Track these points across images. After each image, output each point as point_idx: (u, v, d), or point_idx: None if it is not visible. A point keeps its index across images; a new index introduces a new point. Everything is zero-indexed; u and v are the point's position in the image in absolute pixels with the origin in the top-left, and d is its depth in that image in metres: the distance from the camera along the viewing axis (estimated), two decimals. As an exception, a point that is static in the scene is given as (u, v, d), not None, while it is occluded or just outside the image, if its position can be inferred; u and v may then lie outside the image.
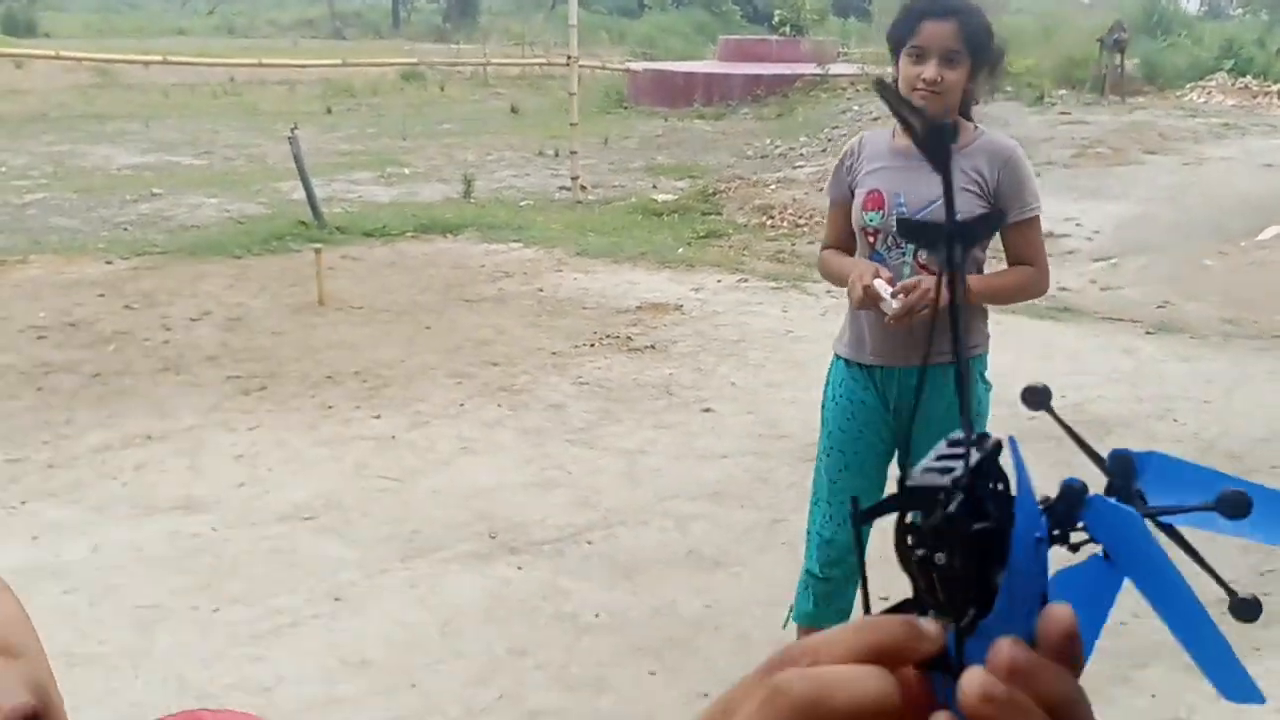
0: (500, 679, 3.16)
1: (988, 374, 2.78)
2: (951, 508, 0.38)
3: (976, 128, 2.63)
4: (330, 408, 5.20)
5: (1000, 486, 0.40)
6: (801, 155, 12.72)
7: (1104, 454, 0.44)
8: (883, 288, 2.48)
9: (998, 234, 2.62)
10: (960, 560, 0.38)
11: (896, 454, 2.71)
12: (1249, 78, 17.73)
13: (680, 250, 8.47)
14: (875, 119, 14.70)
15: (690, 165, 12.44)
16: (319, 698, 3.07)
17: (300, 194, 9.21)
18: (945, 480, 0.39)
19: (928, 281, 2.47)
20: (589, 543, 3.94)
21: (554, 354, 5.99)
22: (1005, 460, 0.41)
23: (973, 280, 2.60)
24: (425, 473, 4.52)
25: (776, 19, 26.13)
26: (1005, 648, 0.37)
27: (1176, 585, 0.40)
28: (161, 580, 3.64)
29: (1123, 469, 0.44)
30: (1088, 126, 12.57)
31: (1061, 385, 5.31)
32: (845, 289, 2.62)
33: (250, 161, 13.28)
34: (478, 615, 3.46)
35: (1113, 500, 0.42)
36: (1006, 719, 0.36)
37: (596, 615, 3.47)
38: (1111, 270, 7.53)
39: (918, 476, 0.40)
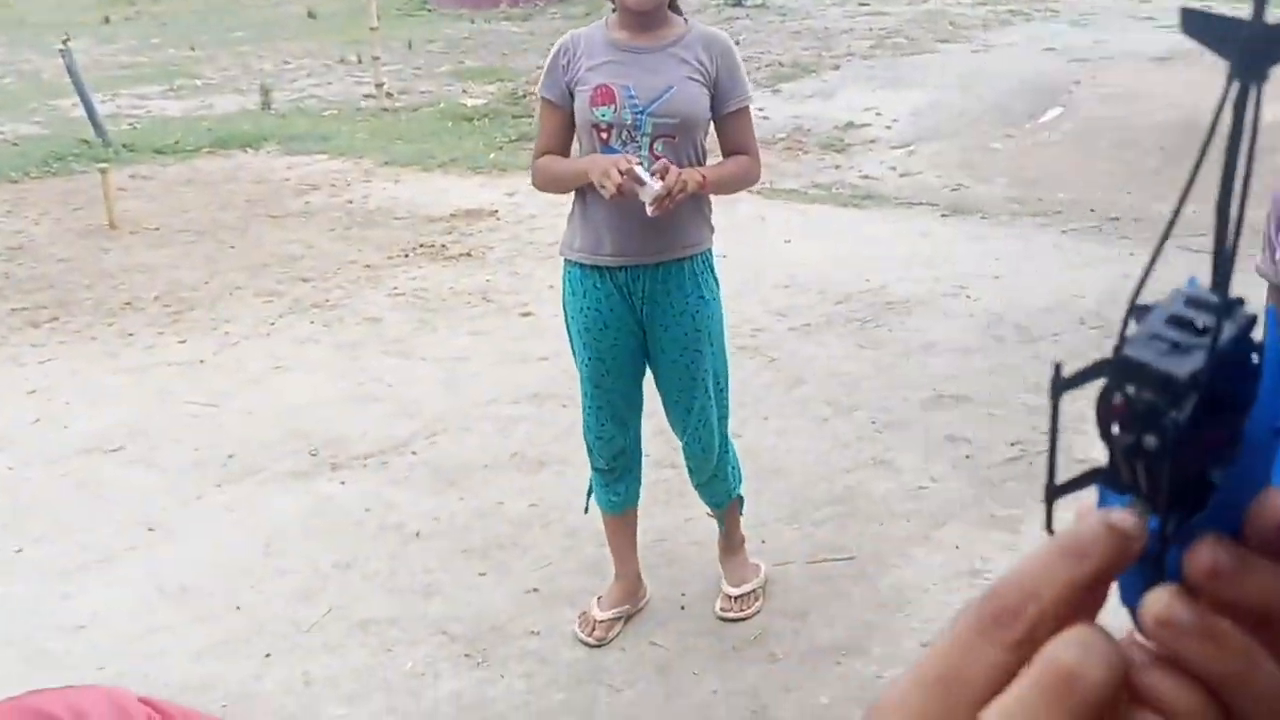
0: (327, 593, 3.14)
1: (716, 269, 2.81)
2: (1184, 410, 0.31)
3: (687, 21, 2.67)
4: (130, 335, 4.96)
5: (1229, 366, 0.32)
6: (610, 54, 12.59)
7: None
8: (642, 172, 2.49)
9: (712, 124, 2.68)
10: (1178, 453, 0.31)
11: (648, 346, 2.80)
12: (1033, -34, 18.42)
13: (492, 155, 8.33)
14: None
15: (499, 68, 12.17)
16: (137, 630, 2.99)
17: (80, 111, 8.60)
18: (1178, 368, 0.31)
19: (678, 169, 2.53)
20: (413, 453, 3.93)
21: (367, 267, 5.85)
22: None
23: (706, 172, 2.65)
24: (237, 395, 4.38)
25: (579, -86, 25.55)
26: (1206, 549, 0.31)
27: None
28: (-45, 526, 3.45)
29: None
30: (886, 17, 12.88)
31: (864, 269, 5.54)
32: (570, 192, 2.66)
33: (22, 78, 12.29)
34: (300, 533, 3.42)
35: None
36: (1194, 649, 0.31)
37: (422, 525, 3.48)
38: (909, 157, 7.81)
39: (1139, 345, 0.33)
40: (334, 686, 2.81)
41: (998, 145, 7.92)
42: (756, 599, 3.03)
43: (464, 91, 11.01)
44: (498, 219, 6.69)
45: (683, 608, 3.09)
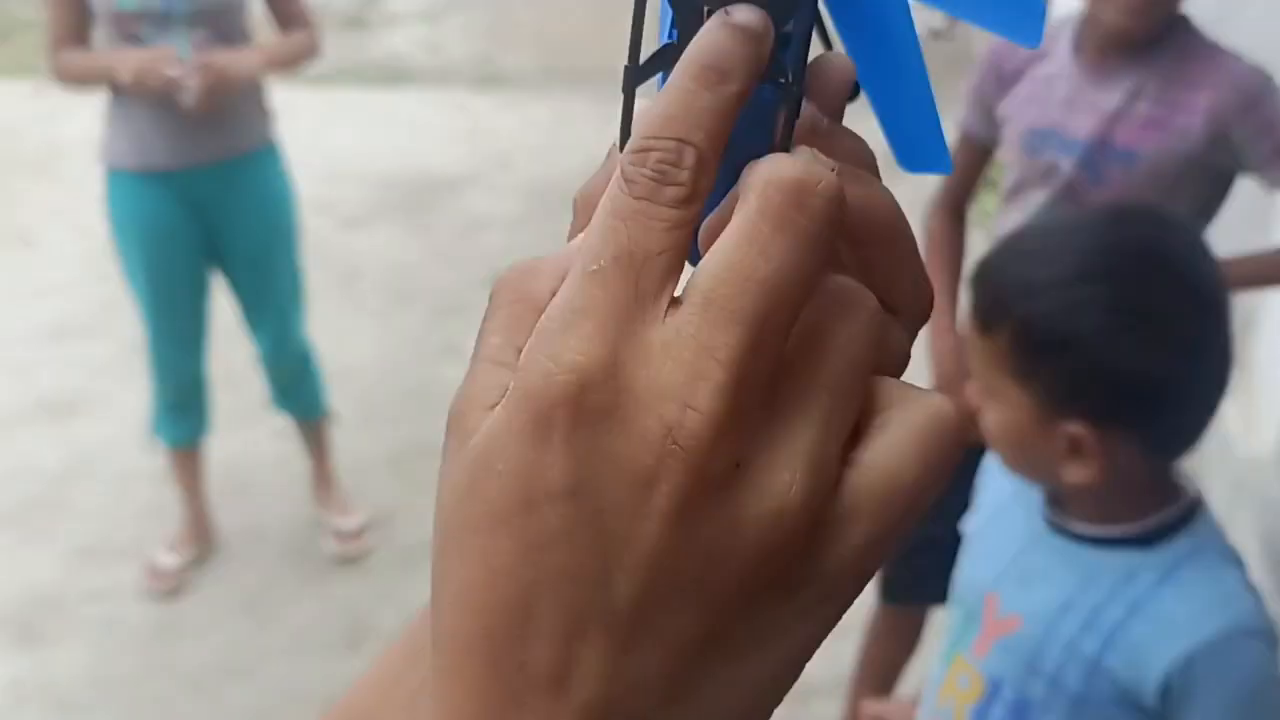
0: None
1: (282, 156, 2.62)
2: None
3: None
4: None
5: None
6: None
7: None
8: (178, 70, 2.24)
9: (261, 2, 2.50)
10: None
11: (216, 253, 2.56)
12: None
13: (-45, 59, 7.13)
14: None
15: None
16: None
17: None
18: None
19: (220, 58, 2.30)
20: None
21: None
22: None
23: (259, 53, 2.44)
24: None
25: None
26: (807, 113, 0.29)
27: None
28: None
29: None
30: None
31: (405, 151, 5.39)
32: (102, 85, 2.34)
33: None
34: None
35: None
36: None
37: (-66, 501, 2.99)
38: (435, 30, 7.65)
39: None
40: None
41: (522, 13, 7.95)
42: (367, 528, 2.88)
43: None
44: (-26, 134, 5.76)
45: (263, 538, 2.90)
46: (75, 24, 2.35)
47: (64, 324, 3.88)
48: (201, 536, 2.80)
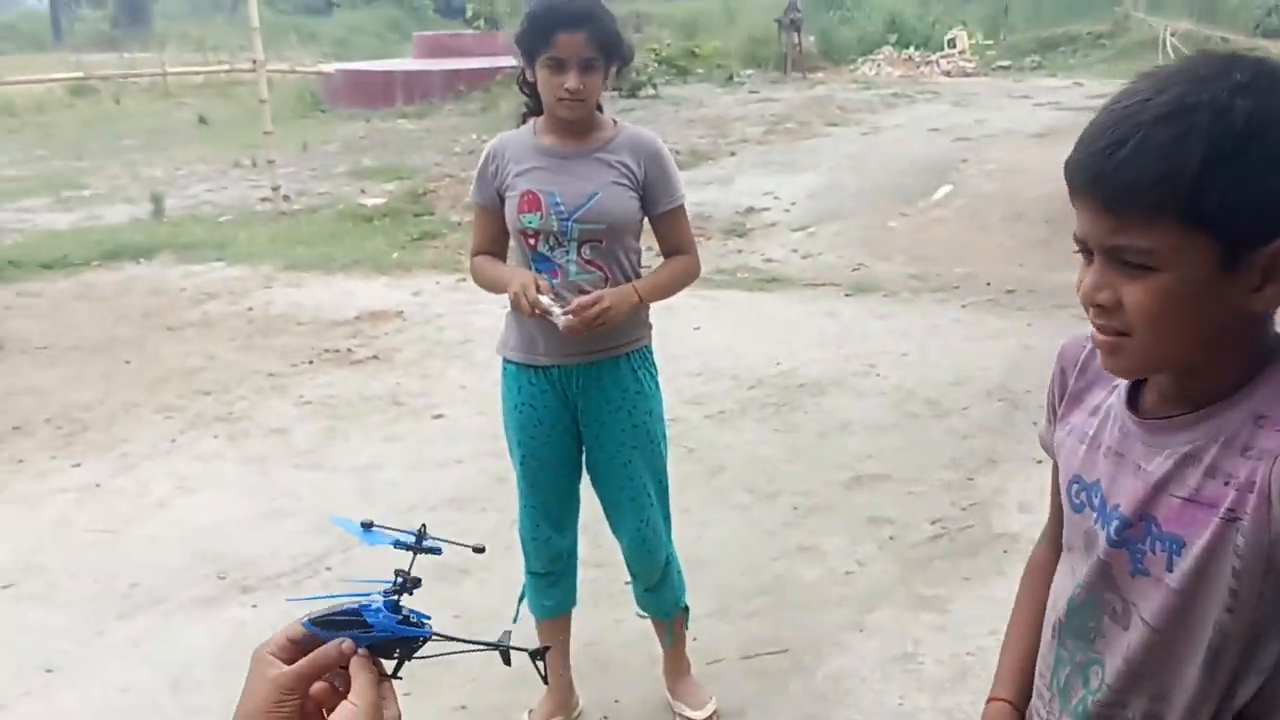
0: (244, 728, 2.97)
1: (654, 361, 2.77)
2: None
3: (615, 123, 2.65)
4: (20, 461, 4.73)
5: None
6: (509, 148, 12.67)
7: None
8: (549, 304, 2.48)
9: (648, 222, 2.67)
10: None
11: (584, 444, 2.74)
12: (912, 49, 19.24)
13: (395, 255, 8.27)
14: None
15: (397, 166, 12.16)
16: (37, 784, 2.79)
17: (-38, 229, 8.32)
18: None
19: (608, 297, 2.51)
20: (327, 569, 3.79)
21: (271, 375, 5.71)
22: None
23: (640, 287, 2.61)
24: (138, 519, 4.19)
25: (470, 13, 25.97)
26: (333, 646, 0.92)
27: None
28: None
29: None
30: (775, 103, 13.25)
31: (774, 353, 5.59)
32: (505, 296, 2.61)
33: (-103, 196, 11.87)
34: (212, 666, 3.24)
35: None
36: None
37: (342, 644, 3.33)
38: (809, 239, 7.98)
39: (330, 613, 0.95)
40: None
41: (894, 224, 8.14)
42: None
43: (362, 191, 10.96)
44: (404, 320, 6.61)
45: (619, 716, 3.00)
46: (493, 235, 2.70)
47: (462, 493, 4.29)
48: (563, 708, 2.93)
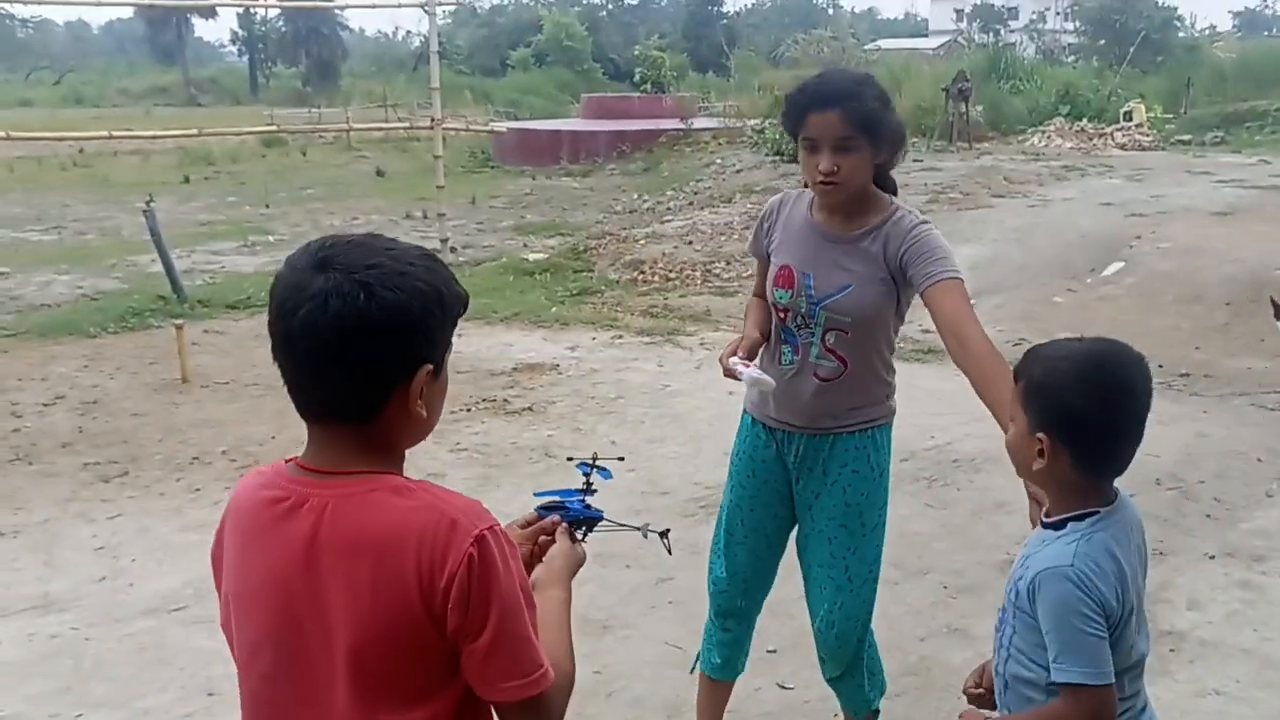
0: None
1: (888, 444, 2.66)
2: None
3: (892, 204, 2.50)
4: (198, 490, 5.01)
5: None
6: (669, 209, 12.90)
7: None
8: (736, 363, 2.49)
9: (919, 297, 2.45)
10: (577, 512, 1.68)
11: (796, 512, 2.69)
12: (1085, 121, 18.75)
13: (554, 309, 8.47)
14: (738, 171, 15.03)
15: (559, 223, 12.50)
16: (195, 802, 2.92)
17: (158, 267, 8.93)
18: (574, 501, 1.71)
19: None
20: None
21: (430, 421, 5.89)
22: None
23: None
24: (300, 553, 4.37)
25: (638, 76, 26.61)
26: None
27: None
28: (17, 687, 3.43)
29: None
30: (939, 173, 13.09)
31: (929, 426, 5.47)
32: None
33: (104, 235, 12.83)
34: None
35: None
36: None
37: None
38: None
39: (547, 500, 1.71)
40: None
41: (1059, 299, 7.90)
42: None
43: (525, 246, 11.29)
44: (559, 373, 6.75)
45: (754, 787, 2.95)
46: (765, 283, 2.67)
47: (607, 548, 4.31)
48: (701, 775, 2.90)
